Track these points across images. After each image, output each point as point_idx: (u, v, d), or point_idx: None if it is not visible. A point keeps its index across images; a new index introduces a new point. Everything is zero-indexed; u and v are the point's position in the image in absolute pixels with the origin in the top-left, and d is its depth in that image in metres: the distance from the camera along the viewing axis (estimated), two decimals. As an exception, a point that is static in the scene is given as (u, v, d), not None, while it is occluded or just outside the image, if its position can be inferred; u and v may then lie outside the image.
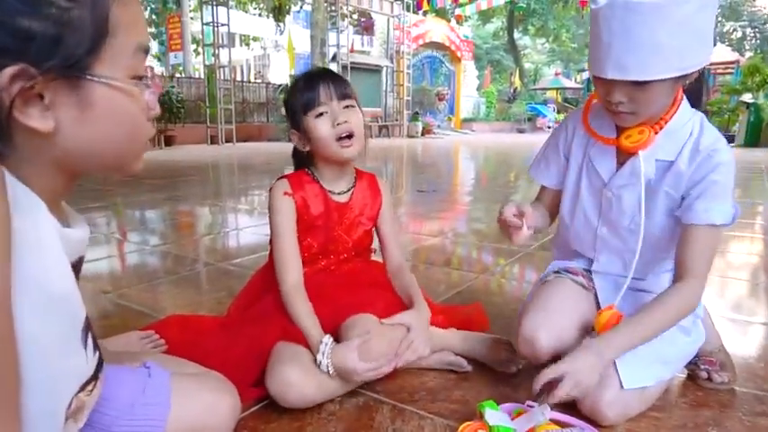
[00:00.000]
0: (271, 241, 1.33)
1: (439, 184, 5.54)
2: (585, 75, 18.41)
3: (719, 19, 34.04)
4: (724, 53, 17.68)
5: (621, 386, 1.04)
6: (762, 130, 11.39)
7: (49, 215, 0.55)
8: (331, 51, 14.27)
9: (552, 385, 1.00)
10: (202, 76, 11.82)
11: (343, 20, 14.83)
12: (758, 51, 29.93)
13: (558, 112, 21.94)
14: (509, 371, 1.29)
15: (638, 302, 1.16)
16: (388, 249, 1.42)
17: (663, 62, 0.94)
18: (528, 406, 1.05)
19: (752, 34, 35.39)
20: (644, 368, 1.07)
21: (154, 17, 23.65)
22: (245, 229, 3.19)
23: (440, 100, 18.96)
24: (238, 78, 17.45)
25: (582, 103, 1.65)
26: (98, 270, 2.23)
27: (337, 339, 1.17)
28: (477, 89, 23.71)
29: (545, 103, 24.20)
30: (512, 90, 25.85)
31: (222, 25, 11.46)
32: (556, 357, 1.09)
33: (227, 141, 11.61)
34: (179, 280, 2.07)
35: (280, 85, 14.63)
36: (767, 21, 33.78)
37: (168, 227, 3.21)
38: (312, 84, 1.26)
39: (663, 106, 1.04)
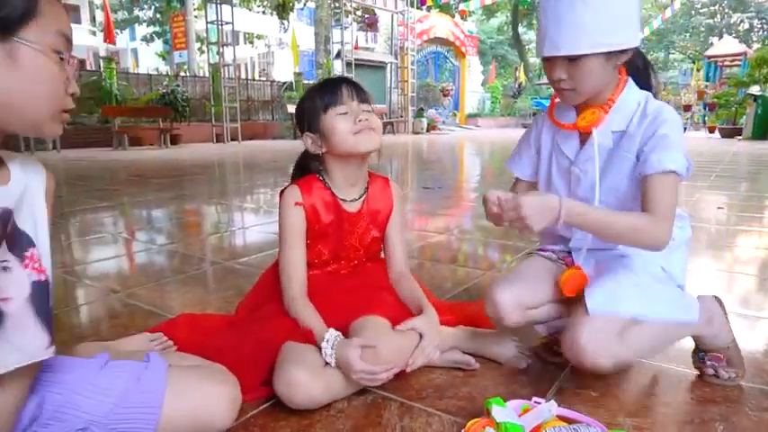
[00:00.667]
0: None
1: (444, 181, 5.53)
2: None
3: (726, 11, 33.78)
4: (731, 45, 17.56)
5: (587, 311, 1.11)
6: (769, 122, 11.29)
7: None
8: (335, 48, 14.25)
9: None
10: (207, 75, 11.82)
11: (347, 16, 14.81)
12: (766, 43, 29.65)
13: (564, 107, 21.72)
14: (519, 366, 1.30)
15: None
16: (393, 257, 1.42)
17: (588, 39, 1.08)
18: (535, 403, 1.06)
19: (759, 26, 35.08)
20: (609, 299, 1.13)
21: (158, 16, 23.72)
22: (252, 227, 3.20)
23: (444, 96, 18.91)
24: (243, 76, 17.48)
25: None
26: (106, 269, 2.25)
27: (346, 337, 1.18)
28: (482, 84, 23.63)
29: (550, 97, 24.05)
30: (516, 85, 25.73)
31: (226, 23, 11.47)
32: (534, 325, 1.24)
33: (232, 139, 11.64)
34: (187, 279, 2.08)
35: (284, 83, 14.64)
36: (775, 12, 33.43)
37: (175, 226, 3.23)
38: (334, 85, 1.29)
39: (601, 83, 1.15)
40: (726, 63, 16.90)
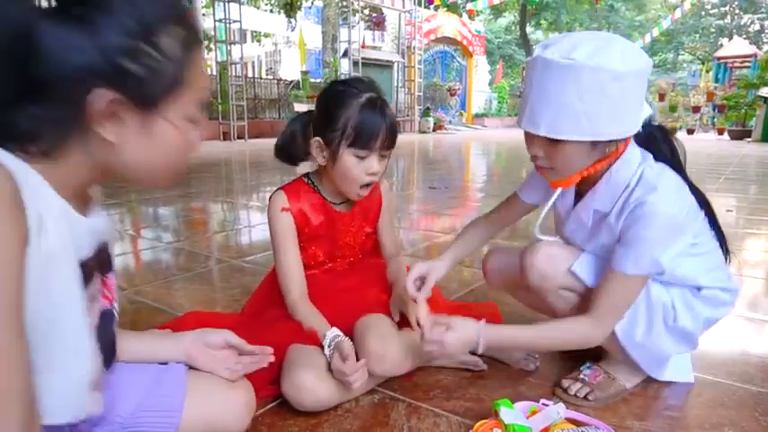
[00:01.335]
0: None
1: (450, 181, 5.52)
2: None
3: (736, 12, 33.53)
4: (741, 46, 17.42)
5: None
6: (779, 124, 11.20)
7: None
8: (342, 47, 14.25)
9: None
10: (214, 73, 11.84)
11: (355, 15, 14.80)
12: (776, 44, 29.41)
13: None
14: (527, 368, 1.30)
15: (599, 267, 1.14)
16: (385, 247, 1.49)
17: (573, 123, 0.95)
18: (543, 404, 1.05)
19: (769, 27, 34.77)
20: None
21: (166, 14, 23.76)
22: (258, 225, 3.21)
23: (451, 95, 18.84)
24: (250, 75, 17.50)
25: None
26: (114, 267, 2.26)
27: (350, 337, 1.18)
28: (489, 84, 23.54)
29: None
30: (524, 85, 25.61)
31: (234, 22, 11.49)
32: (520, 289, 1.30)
33: (239, 138, 11.66)
34: (193, 277, 2.09)
35: (291, 82, 14.64)
36: (785, 13, 33.17)
37: (182, 224, 3.24)
38: (375, 124, 1.20)
39: (583, 167, 1.05)
40: (735, 64, 16.76)
